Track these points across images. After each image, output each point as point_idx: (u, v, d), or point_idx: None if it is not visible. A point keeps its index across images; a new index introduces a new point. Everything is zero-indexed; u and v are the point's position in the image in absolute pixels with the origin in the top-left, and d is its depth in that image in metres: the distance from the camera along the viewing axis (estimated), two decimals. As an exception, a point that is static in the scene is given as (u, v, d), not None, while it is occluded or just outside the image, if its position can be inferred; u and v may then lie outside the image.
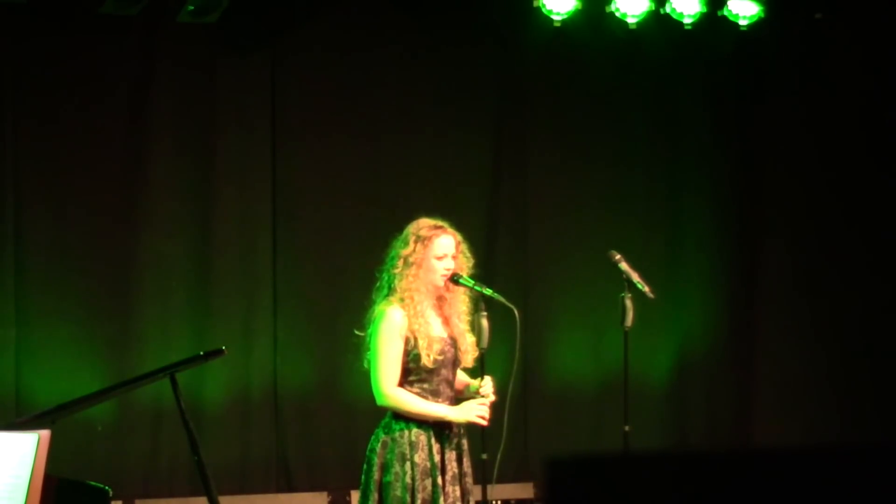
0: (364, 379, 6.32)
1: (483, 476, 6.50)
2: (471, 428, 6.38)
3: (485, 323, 6.32)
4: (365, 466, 6.28)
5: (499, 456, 6.36)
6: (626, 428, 7.07)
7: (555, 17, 8.76)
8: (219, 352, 6.07)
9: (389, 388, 6.21)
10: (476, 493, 6.46)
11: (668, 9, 8.88)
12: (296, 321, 8.64)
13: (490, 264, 8.59)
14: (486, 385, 6.33)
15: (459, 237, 6.37)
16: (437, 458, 6.22)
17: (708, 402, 9.31)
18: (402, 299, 6.22)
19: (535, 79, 9.09)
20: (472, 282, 6.33)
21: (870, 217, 9.46)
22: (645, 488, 2.52)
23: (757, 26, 9.05)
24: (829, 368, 9.38)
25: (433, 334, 6.24)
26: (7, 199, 8.13)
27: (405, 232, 6.35)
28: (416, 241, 6.27)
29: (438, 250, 6.27)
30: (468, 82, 8.94)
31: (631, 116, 9.23)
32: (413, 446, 6.20)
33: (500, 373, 6.63)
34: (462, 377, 6.45)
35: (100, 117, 8.32)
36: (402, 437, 6.21)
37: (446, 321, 6.33)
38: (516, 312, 6.31)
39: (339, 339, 7.12)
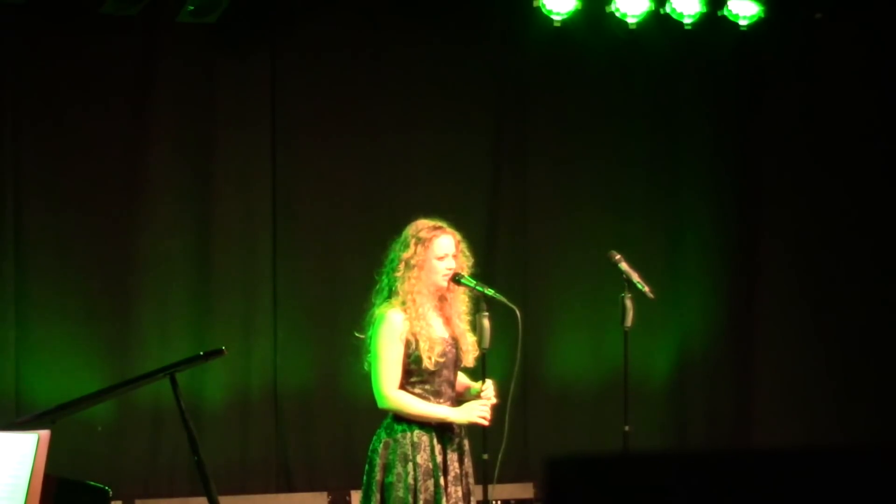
0: (364, 379, 6.33)
1: (484, 476, 6.50)
2: (472, 428, 6.38)
3: (486, 323, 6.32)
4: (367, 467, 6.28)
5: (500, 456, 6.36)
6: (626, 428, 7.07)
7: (555, 17, 8.76)
8: (219, 352, 6.07)
9: (391, 391, 6.21)
10: (477, 493, 6.46)
11: (668, 9, 8.88)
12: (296, 321, 8.64)
13: (490, 264, 8.59)
14: (488, 388, 6.32)
15: (459, 236, 6.37)
16: (439, 458, 6.22)
17: (708, 402, 9.31)
18: (403, 302, 6.22)
19: (535, 79, 9.09)
20: (474, 282, 6.32)
21: (870, 217, 9.46)
22: (645, 488, 2.52)
23: (757, 26, 9.05)
24: (829, 368, 9.39)
25: (435, 336, 6.24)
26: (7, 199, 8.14)
27: (404, 234, 6.34)
28: (416, 243, 6.27)
29: (439, 251, 6.27)
30: (468, 82, 8.94)
31: (631, 116, 9.23)
32: (415, 447, 6.20)
33: (501, 373, 6.63)
34: (463, 380, 6.45)
35: (100, 117, 8.32)
36: (403, 438, 6.21)
37: (447, 321, 6.33)
38: (518, 312, 6.30)
39: (339, 339, 7.12)
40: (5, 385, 8.05)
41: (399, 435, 6.22)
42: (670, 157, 9.33)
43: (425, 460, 6.20)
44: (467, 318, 6.38)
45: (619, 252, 7.05)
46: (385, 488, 6.20)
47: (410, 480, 6.18)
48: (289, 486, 8.60)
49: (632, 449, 7.19)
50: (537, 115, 9.11)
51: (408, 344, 6.20)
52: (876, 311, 9.43)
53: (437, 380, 6.25)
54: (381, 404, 6.25)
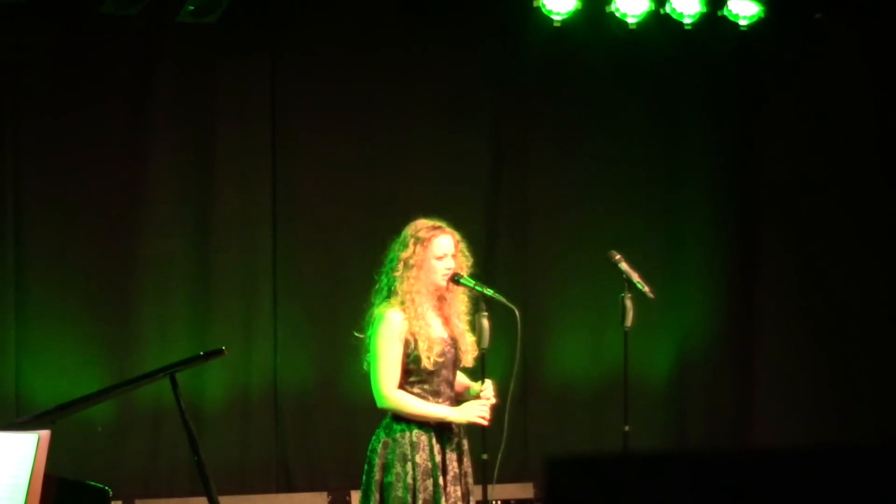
0: (364, 379, 6.33)
1: (483, 476, 6.50)
2: (471, 428, 6.38)
3: (485, 323, 6.32)
4: (366, 467, 6.28)
5: (499, 456, 6.36)
6: (626, 428, 7.07)
7: (555, 17, 8.76)
8: (219, 352, 6.07)
9: (390, 391, 6.21)
10: (476, 493, 6.46)
11: (668, 9, 8.88)
12: (296, 321, 8.64)
13: (490, 264, 8.59)
14: (487, 388, 6.32)
15: (458, 236, 6.37)
16: (438, 458, 6.22)
17: (708, 402, 9.30)
18: (402, 302, 6.22)
19: (535, 79, 9.09)
20: (473, 282, 6.32)
21: (870, 217, 9.46)
22: (645, 488, 2.52)
23: (757, 26, 9.05)
24: (829, 369, 9.38)
25: (434, 336, 6.23)
26: (7, 200, 8.13)
27: (403, 234, 6.34)
28: (415, 243, 6.27)
29: (438, 251, 6.27)
30: (468, 82, 8.94)
31: (631, 116, 9.23)
32: (414, 447, 6.20)
33: (501, 373, 6.63)
34: (462, 380, 6.45)
35: (100, 117, 8.32)
36: (403, 437, 6.21)
37: (446, 321, 6.33)
38: (517, 312, 6.30)
39: (339, 339, 7.12)
40: (5, 385, 8.05)
41: (398, 434, 6.22)
42: (670, 157, 9.32)
43: (424, 460, 6.20)
44: (467, 318, 6.38)
45: (619, 252, 7.05)
46: (384, 488, 6.20)
47: (409, 480, 6.18)
48: (289, 486, 8.60)
49: (632, 449, 7.19)
50: (537, 114, 9.11)
51: (407, 344, 6.20)
52: (876, 312, 9.43)
53: (435, 380, 6.25)
54: (380, 404, 6.25)
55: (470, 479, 6.36)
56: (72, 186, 8.26)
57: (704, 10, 8.93)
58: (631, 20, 8.82)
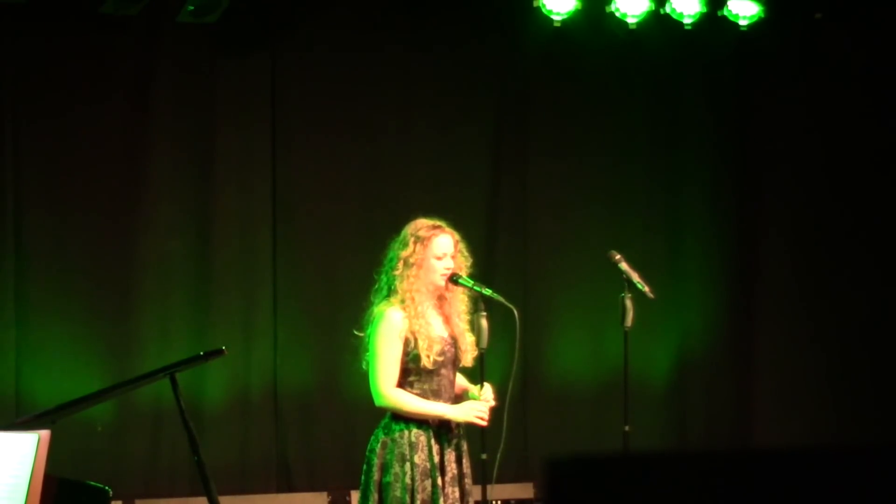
0: (364, 378, 6.33)
1: (483, 476, 6.50)
2: (470, 428, 6.38)
3: (484, 323, 6.32)
4: (364, 467, 6.28)
5: (499, 456, 6.35)
6: (626, 428, 7.07)
7: (555, 17, 8.76)
8: (219, 352, 6.07)
9: (388, 389, 6.20)
10: (476, 493, 6.46)
11: (668, 9, 8.88)
12: (296, 321, 8.64)
13: (490, 264, 8.59)
14: (486, 391, 6.32)
15: (458, 236, 6.37)
16: (436, 458, 6.22)
17: (708, 402, 9.31)
18: (402, 301, 6.22)
19: (535, 79, 9.09)
20: (472, 282, 6.32)
21: (869, 217, 9.46)
22: (645, 488, 2.52)
23: (757, 26, 9.05)
24: (829, 368, 9.38)
25: (434, 335, 6.23)
26: (7, 200, 8.14)
27: (403, 233, 6.34)
28: (415, 242, 6.27)
29: (437, 250, 6.27)
30: (468, 82, 8.94)
31: (631, 116, 9.23)
32: (413, 447, 6.20)
33: (500, 372, 6.63)
34: (462, 382, 6.44)
35: (100, 117, 8.32)
36: (401, 437, 6.21)
37: (447, 320, 6.33)
38: (516, 312, 6.31)
39: (339, 339, 7.11)
40: (5, 385, 8.05)
41: (397, 434, 6.21)
42: (670, 157, 9.32)
43: (423, 460, 6.20)
44: (467, 317, 6.38)
45: (619, 252, 7.05)
46: (383, 488, 6.20)
47: (408, 480, 6.17)
48: (289, 486, 8.61)
49: (632, 449, 7.19)
50: (537, 115, 9.11)
51: (406, 342, 6.20)
52: (876, 311, 9.43)
53: (435, 379, 6.25)
54: (378, 402, 6.25)
55: (469, 480, 6.35)
56: (72, 186, 8.26)
57: (704, 10, 8.93)
58: (631, 20, 8.82)
